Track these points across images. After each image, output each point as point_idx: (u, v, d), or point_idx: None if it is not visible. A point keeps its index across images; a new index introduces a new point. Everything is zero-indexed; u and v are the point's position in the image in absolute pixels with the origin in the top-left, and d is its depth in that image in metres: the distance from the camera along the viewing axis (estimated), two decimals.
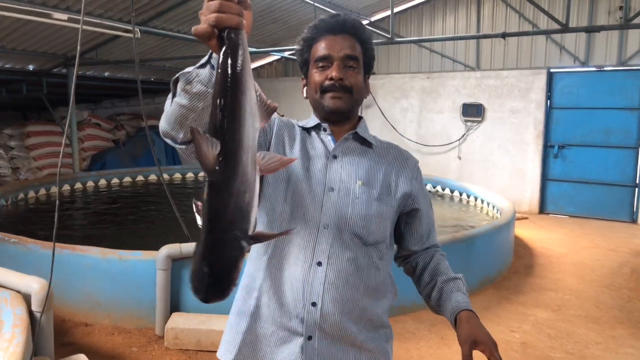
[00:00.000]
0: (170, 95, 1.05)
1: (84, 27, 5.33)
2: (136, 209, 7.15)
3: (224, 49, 0.83)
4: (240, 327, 1.30)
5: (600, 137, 7.76)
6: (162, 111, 1.09)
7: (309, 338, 1.22)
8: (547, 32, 6.24)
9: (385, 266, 1.33)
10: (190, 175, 9.42)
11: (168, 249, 3.43)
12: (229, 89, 0.82)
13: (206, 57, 0.97)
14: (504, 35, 5.31)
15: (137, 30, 4.50)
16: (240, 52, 0.83)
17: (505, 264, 5.12)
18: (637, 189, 7.57)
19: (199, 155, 0.80)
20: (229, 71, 0.82)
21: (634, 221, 7.57)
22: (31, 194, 7.13)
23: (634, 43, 7.65)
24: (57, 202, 1.55)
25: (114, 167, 9.27)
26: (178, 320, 3.35)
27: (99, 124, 10.12)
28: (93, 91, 10.53)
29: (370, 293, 1.27)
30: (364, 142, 1.35)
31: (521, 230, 6.69)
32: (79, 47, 1.32)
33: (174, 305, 3.51)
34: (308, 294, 1.22)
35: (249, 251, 0.89)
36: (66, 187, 7.65)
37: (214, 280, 0.84)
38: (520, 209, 8.12)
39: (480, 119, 8.47)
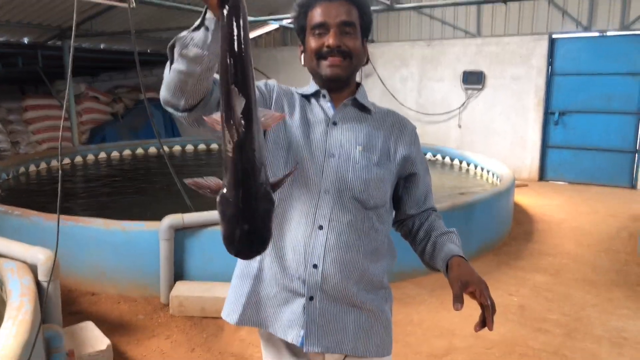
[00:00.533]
0: (168, 63, 1.05)
1: None
2: (137, 181, 7.18)
3: (227, 7, 0.84)
4: (244, 289, 1.34)
5: (602, 103, 7.71)
6: (160, 83, 1.09)
7: (311, 298, 1.26)
8: None
9: (385, 229, 1.36)
10: (189, 147, 9.41)
11: (170, 219, 3.47)
12: (238, 46, 0.83)
13: (199, 20, 0.97)
14: (505, 0, 5.21)
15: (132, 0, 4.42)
16: (243, 8, 0.85)
17: (504, 230, 5.17)
18: (637, 155, 7.57)
19: (226, 125, 0.84)
20: (235, 29, 0.83)
21: (633, 187, 7.60)
22: (32, 167, 7.14)
23: (637, 7, 7.52)
24: (60, 172, 1.57)
25: (113, 140, 9.25)
26: (182, 288, 3.41)
27: (97, 97, 10.04)
28: (90, 64, 10.41)
29: (369, 255, 1.30)
30: (363, 109, 1.35)
31: (521, 197, 6.72)
32: (75, 18, 1.31)
33: (178, 274, 3.56)
34: (309, 257, 1.25)
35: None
36: (66, 160, 7.66)
37: (255, 235, 0.89)
38: (521, 176, 8.15)
39: (480, 87, 8.40)
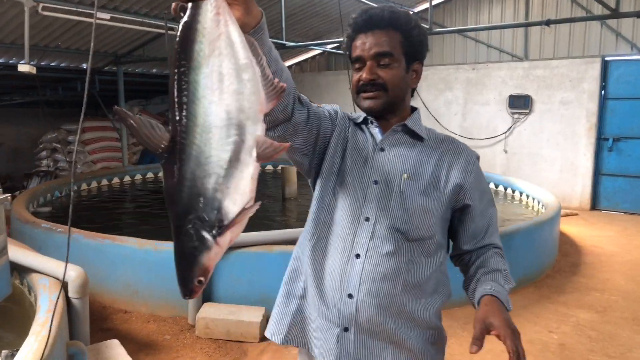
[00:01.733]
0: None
1: (122, 25, 5.50)
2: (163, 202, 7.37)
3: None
4: (290, 308, 1.34)
5: None
6: None
7: (345, 329, 1.23)
8: (594, 18, 5.90)
9: (432, 263, 1.28)
10: None
11: None
12: (181, 56, 0.77)
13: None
14: (548, 23, 5.06)
15: (178, 27, 4.63)
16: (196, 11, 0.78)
17: (548, 261, 4.91)
18: None
19: (139, 139, 0.76)
20: (185, 31, 0.77)
21: None
22: (84, 186, 7.50)
23: None
24: (72, 193, 1.62)
25: None
26: (209, 310, 3.44)
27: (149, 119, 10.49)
28: (143, 87, 10.95)
29: (410, 290, 1.24)
30: (414, 135, 1.31)
31: (569, 227, 6.39)
32: (92, 44, 1.37)
33: (206, 295, 3.60)
34: (345, 285, 1.22)
35: (218, 244, 0.80)
36: (115, 180, 8.00)
37: (179, 275, 0.81)
38: (571, 205, 7.76)
39: (527, 111, 8.13)
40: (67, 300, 2.70)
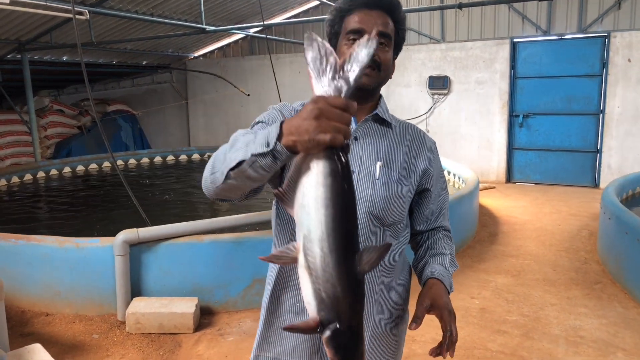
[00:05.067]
0: (211, 166, 1.07)
1: (25, 9, 5.11)
2: (99, 196, 7.05)
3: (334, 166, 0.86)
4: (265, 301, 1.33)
5: (563, 104, 7.89)
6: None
7: None
8: (502, 1, 6.24)
9: (401, 244, 1.34)
10: (158, 159, 9.29)
11: (125, 235, 3.40)
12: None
13: (266, 147, 0.92)
14: (460, 6, 5.30)
15: (86, 11, 4.36)
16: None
17: (469, 233, 5.22)
18: (598, 154, 7.75)
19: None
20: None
21: (595, 186, 7.78)
22: None
23: (593, 10, 7.74)
24: None
25: (79, 154, 9.08)
26: (139, 305, 3.34)
27: (62, 110, 9.86)
28: (54, 77, 10.23)
29: (385, 272, 1.29)
30: (384, 123, 1.33)
31: (487, 200, 6.81)
32: None
33: (135, 290, 3.49)
34: None
35: None
36: (28, 176, 7.47)
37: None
38: (488, 179, 8.26)
39: (446, 91, 8.51)
40: None
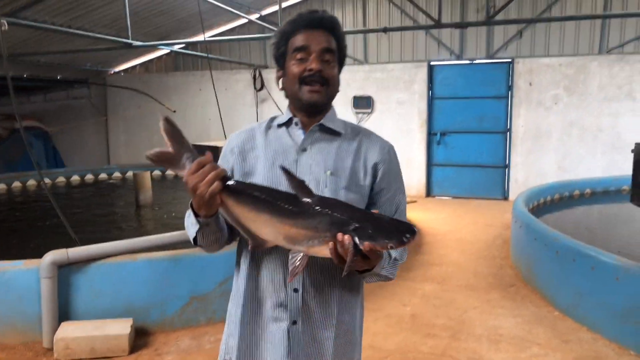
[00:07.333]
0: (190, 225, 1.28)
1: None
2: (14, 216, 6.56)
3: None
4: (237, 314, 1.35)
5: (475, 123, 8.55)
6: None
7: (294, 323, 1.29)
8: (422, 27, 6.75)
9: None
10: (75, 177, 8.82)
11: (53, 255, 3.24)
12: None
13: (197, 225, 1.21)
14: (385, 30, 5.65)
15: (4, 22, 4.12)
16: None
17: None
18: (507, 169, 8.47)
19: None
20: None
21: (505, 198, 8.47)
22: None
23: (499, 38, 8.52)
24: None
25: None
26: (68, 329, 3.18)
27: None
28: None
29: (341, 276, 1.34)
30: (331, 132, 1.37)
31: (410, 214, 7.16)
32: None
33: (63, 314, 3.31)
34: (287, 281, 1.28)
35: None
36: None
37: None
38: (410, 194, 8.70)
39: (370, 110, 8.91)
40: None
